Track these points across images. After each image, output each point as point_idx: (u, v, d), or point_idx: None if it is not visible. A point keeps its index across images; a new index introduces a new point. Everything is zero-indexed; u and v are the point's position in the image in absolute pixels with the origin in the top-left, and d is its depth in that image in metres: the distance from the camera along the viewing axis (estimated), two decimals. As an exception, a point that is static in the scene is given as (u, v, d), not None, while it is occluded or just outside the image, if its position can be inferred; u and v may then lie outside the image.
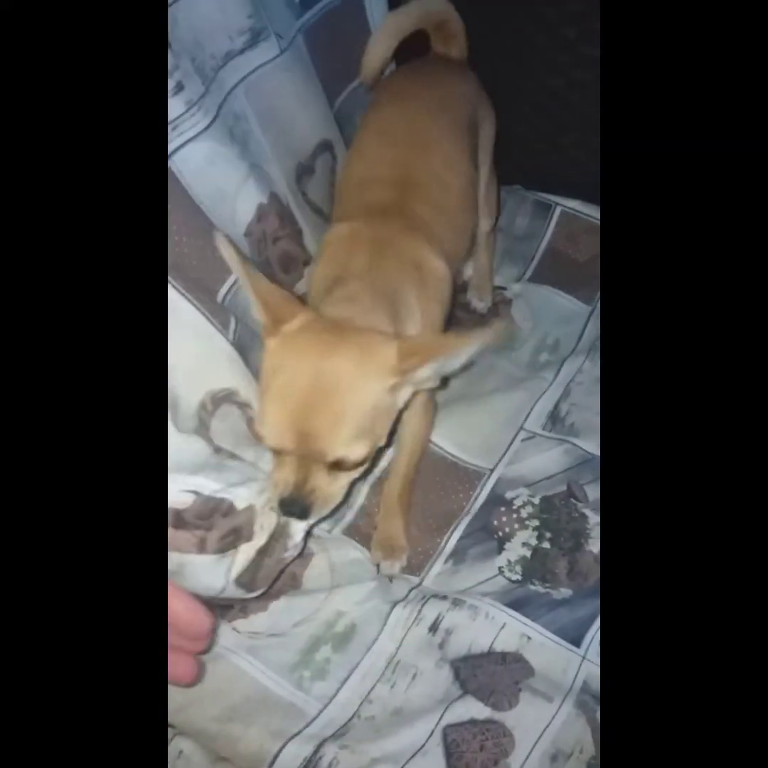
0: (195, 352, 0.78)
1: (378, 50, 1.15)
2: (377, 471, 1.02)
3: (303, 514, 0.75)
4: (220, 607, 0.86)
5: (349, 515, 0.98)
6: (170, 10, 0.83)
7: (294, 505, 0.74)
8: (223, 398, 0.82)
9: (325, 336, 0.72)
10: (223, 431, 0.80)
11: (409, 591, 0.91)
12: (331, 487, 0.74)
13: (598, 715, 0.80)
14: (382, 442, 0.76)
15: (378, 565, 0.93)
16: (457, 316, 1.21)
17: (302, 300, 0.84)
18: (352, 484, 0.78)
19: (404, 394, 0.76)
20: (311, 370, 0.70)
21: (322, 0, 1.10)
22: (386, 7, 1.20)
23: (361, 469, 0.75)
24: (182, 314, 0.77)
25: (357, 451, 0.72)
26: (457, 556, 0.95)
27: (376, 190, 0.93)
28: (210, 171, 0.88)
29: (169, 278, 0.75)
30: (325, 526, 0.96)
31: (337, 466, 0.73)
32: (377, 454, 0.78)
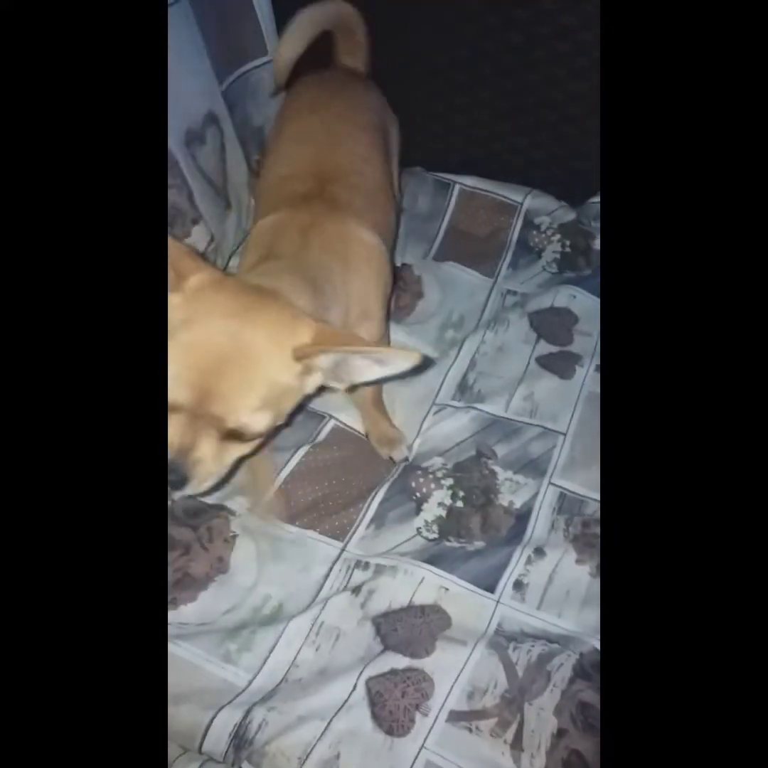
0: None
1: (287, 50, 1.19)
2: (307, 447, 1.06)
3: (179, 484, 0.69)
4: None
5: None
6: None
7: (172, 472, 0.68)
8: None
9: (244, 299, 0.70)
10: None
11: (333, 563, 0.96)
12: (217, 460, 0.70)
13: (509, 652, 0.86)
14: (281, 421, 0.75)
15: (391, 458, 1.07)
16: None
17: (205, 257, 0.85)
18: (239, 462, 0.76)
19: (313, 381, 0.74)
20: (225, 330, 0.67)
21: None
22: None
23: (253, 445, 0.73)
24: None
25: (259, 421, 0.69)
26: (378, 520, 1.00)
27: (296, 183, 0.97)
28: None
29: None
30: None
31: (233, 435, 0.69)
32: (274, 432, 0.77)
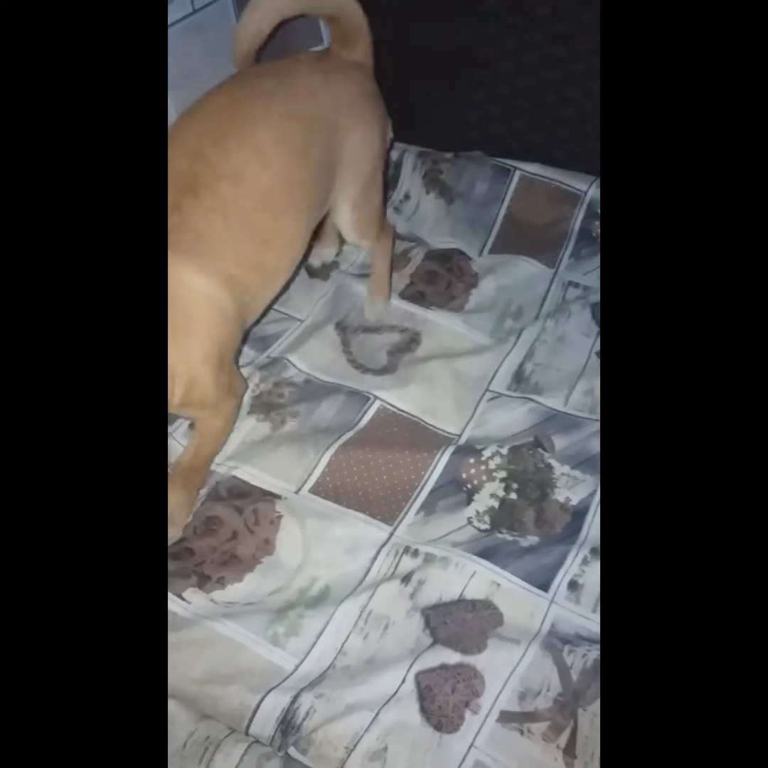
0: None
1: (249, 25, 0.99)
2: (351, 433, 1.04)
3: None
4: (198, 577, 0.88)
5: (316, 475, 0.99)
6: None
7: None
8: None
9: None
10: None
11: (381, 546, 0.93)
12: None
13: (564, 654, 0.83)
14: None
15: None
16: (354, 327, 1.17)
17: None
18: None
19: None
20: None
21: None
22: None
23: None
24: None
25: None
26: (428, 507, 0.97)
27: None
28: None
29: None
30: (290, 487, 0.98)
31: None
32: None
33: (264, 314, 1.06)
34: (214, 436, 0.98)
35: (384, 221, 1.18)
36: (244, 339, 1.06)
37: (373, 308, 1.19)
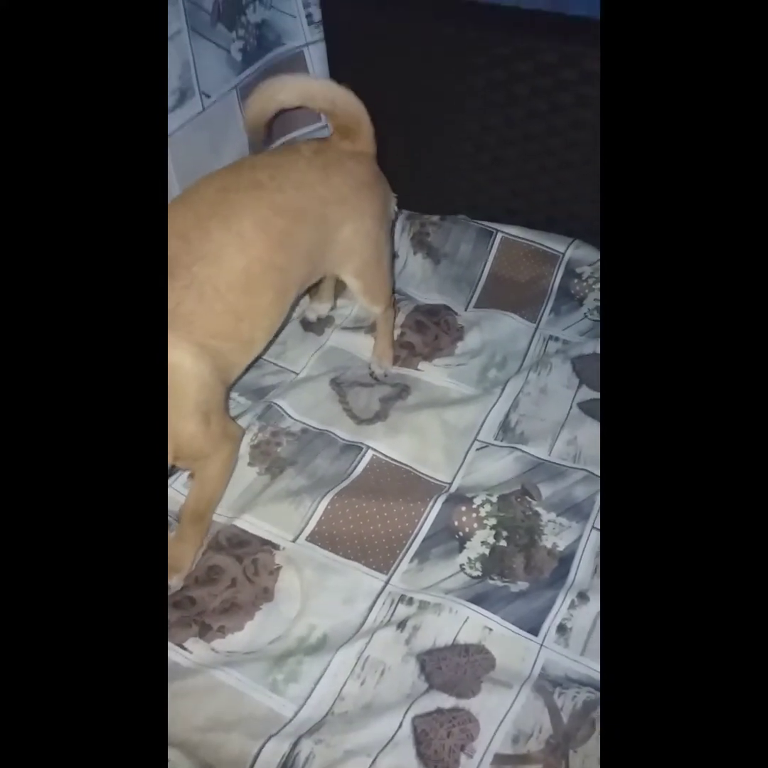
0: None
1: (252, 112, 1.03)
2: (346, 482, 1.08)
3: None
4: (200, 627, 0.91)
5: (312, 523, 1.03)
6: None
7: None
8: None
9: None
10: None
11: (377, 595, 0.96)
12: None
13: (554, 697, 0.86)
14: None
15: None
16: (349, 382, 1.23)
17: None
18: None
19: None
20: None
21: (263, 58, 1.20)
22: (325, 61, 1.30)
23: None
24: None
25: None
26: (421, 555, 1.00)
27: None
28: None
29: None
30: (287, 535, 1.01)
31: None
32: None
33: (248, 370, 1.10)
34: (213, 482, 1.01)
35: (392, 289, 1.23)
36: (233, 386, 1.10)
37: (379, 367, 1.25)
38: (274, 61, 1.21)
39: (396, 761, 0.80)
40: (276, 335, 1.13)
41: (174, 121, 1.04)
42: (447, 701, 0.85)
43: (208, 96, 1.08)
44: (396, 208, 1.21)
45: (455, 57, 1.36)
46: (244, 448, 1.11)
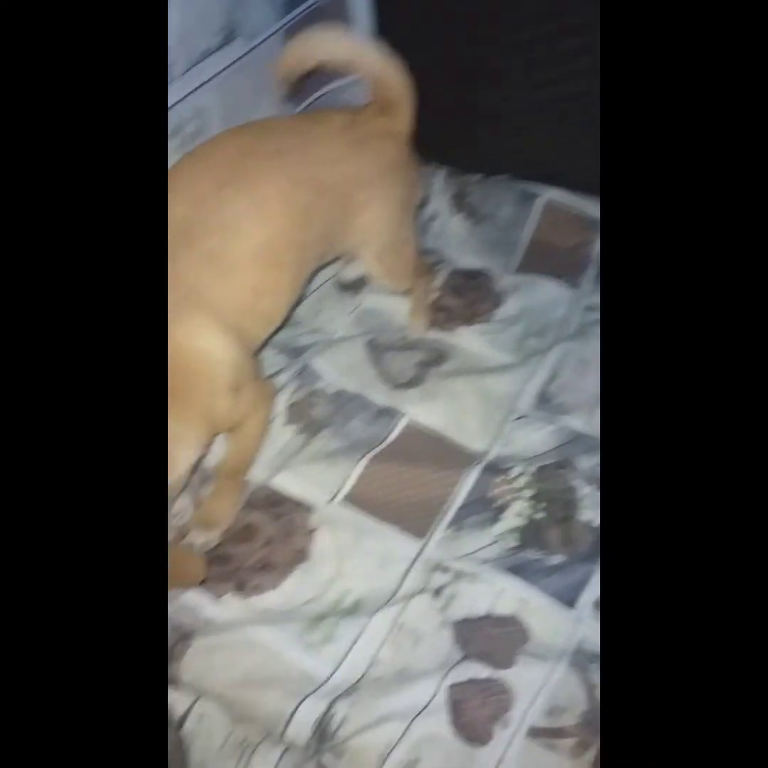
0: None
1: (289, 60, 0.95)
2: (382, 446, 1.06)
3: None
4: (236, 583, 0.91)
5: (348, 485, 1.01)
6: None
7: None
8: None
9: None
10: None
11: (413, 561, 0.95)
12: None
13: (590, 673, 0.85)
14: None
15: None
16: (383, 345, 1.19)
17: None
18: None
19: None
20: None
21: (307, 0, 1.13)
22: (369, 4, 1.22)
23: None
24: None
25: None
26: (457, 523, 0.99)
27: None
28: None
29: None
30: (323, 496, 1.00)
31: None
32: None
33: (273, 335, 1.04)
34: (250, 441, 1.00)
35: (418, 263, 1.17)
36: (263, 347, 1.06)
37: (416, 327, 1.22)
38: (318, 3, 1.15)
39: (430, 728, 0.80)
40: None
41: (220, 61, 0.99)
42: (482, 671, 0.84)
43: (253, 37, 1.03)
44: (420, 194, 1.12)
45: (505, 8, 1.29)
46: (281, 407, 1.10)
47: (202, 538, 0.94)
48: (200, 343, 0.83)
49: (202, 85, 0.98)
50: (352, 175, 0.96)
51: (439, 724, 0.80)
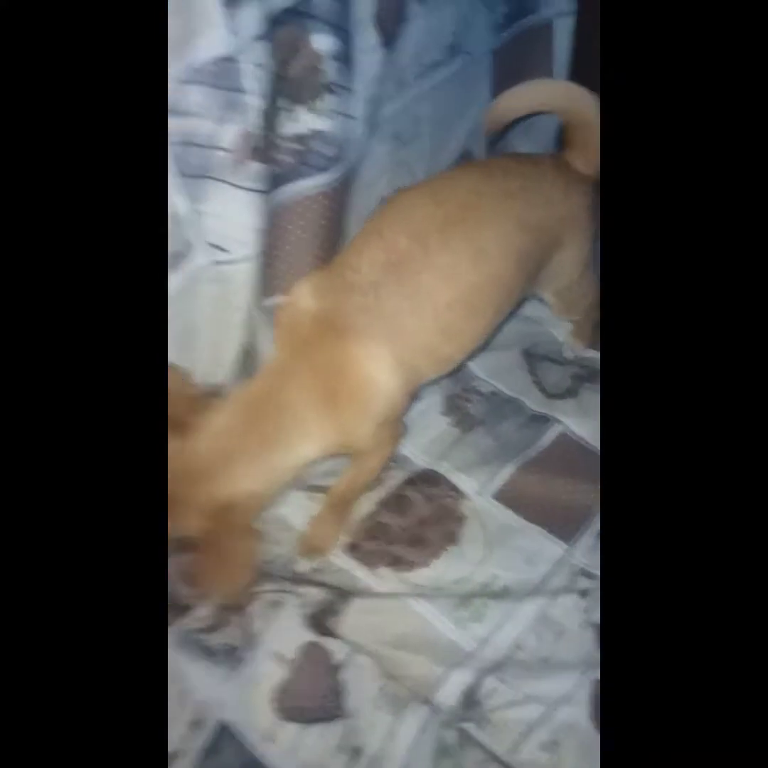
0: None
1: (500, 111, 1.01)
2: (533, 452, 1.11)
3: None
4: (390, 558, 0.98)
5: (498, 482, 1.06)
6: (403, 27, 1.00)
7: None
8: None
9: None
10: None
11: (558, 562, 0.98)
12: None
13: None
14: None
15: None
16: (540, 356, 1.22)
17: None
18: None
19: None
20: None
21: (517, 22, 1.21)
22: (571, 39, 1.28)
23: None
24: None
25: None
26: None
27: (363, 267, 0.84)
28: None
29: None
30: (475, 486, 1.05)
31: None
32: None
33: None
34: (368, 473, 1.01)
35: (595, 298, 1.15)
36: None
37: (576, 346, 1.25)
38: (527, 24, 1.22)
39: (571, 718, 0.83)
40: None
41: (440, 73, 1.10)
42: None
43: (469, 54, 1.13)
44: None
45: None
46: (436, 396, 1.16)
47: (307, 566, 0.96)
48: (372, 371, 0.84)
49: (420, 94, 1.10)
50: (565, 217, 0.97)
51: (579, 715, 0.83)
